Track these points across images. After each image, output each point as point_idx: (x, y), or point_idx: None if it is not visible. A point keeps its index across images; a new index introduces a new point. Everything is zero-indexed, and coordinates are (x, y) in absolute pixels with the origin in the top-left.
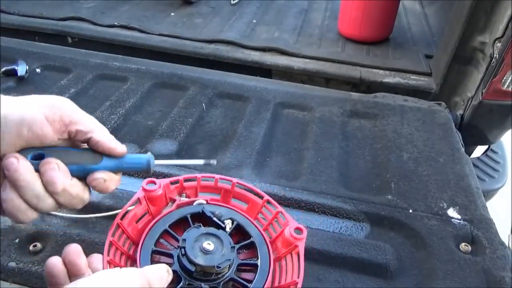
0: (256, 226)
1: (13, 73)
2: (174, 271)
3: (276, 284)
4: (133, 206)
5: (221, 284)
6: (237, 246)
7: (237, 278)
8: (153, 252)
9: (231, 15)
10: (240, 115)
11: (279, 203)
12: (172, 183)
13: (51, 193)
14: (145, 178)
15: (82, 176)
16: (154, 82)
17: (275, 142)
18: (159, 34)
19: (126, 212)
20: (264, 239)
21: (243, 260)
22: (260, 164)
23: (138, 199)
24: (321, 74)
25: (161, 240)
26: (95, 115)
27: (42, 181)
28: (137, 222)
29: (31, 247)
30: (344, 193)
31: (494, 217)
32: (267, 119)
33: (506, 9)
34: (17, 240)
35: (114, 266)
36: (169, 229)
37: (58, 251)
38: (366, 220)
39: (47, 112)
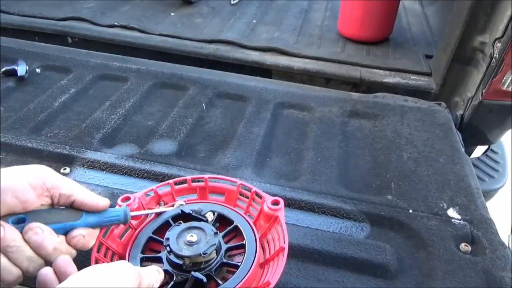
0: (237, 212)
1: (13, 73)
2: (166, 271)
3: (268, 256)
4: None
5: (213, 271)
6: (221, 233)
7: (227, 261)
8: (142, 260)
9: (231, 15)
10: (240, 115)
11: None
12: (147, 194)
13: (42, 256)
14: (152, 178)
15: (66, 233)
16: (154, 82)
17: (275, 142)
18: (159, 34)
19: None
20: (247, 221)
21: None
22: (260, 164)
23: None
24: (321, 74)
25: (149, 250)
26: (95, 115)
27: (30, 246)
28: (121, 238)
29: None
30: (344, 193)
31: (494, 217)
32: (267, 119)
33: (506, 9)
34: None
35: None
36: (153, 235)
37: None
38: (366, 220)
39: (30, 179)
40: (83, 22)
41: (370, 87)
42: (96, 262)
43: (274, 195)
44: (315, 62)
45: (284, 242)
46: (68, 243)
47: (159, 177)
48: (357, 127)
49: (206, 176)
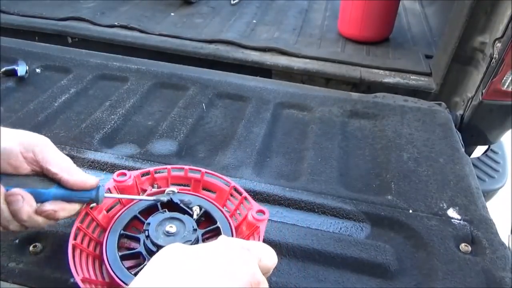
0: (222, 212)
1: (13, 73)
2: (140, 253)
3: None
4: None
5: None
6: (202, 231)
7: None
8: (121, 236)
9: (231, 15)
10: (240, 115)
11: (279, 203)
12: (143, 175)
13: (18, 220)
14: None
15: (42, 201)
16: (154, 82)
17: (275, 142)
18: (159, 34)
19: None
20: (229, 224)
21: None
22: (260, 164)
23: (109, 189)
24: (321, 74)
25: (132, 228)
26: (95, 115)
27: (9, 209)
28: (108, 211)
29: (31, 248)
30: (344, 193)
31: (494, 217)
32: (267, 119)
33: (506, 9)
34: (17, 241)
35: (80, 251)
36: (138, 215)
37: (58, 252)
38: (366, 221)
39: (22, 149)
40: (83, 22)
41: (370, 87)
42: (77, 233)
43: (274, 195)
44: (315, 62)
45: None
46: (39, 214)
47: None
48: (357, 127)
49: (203, 170)
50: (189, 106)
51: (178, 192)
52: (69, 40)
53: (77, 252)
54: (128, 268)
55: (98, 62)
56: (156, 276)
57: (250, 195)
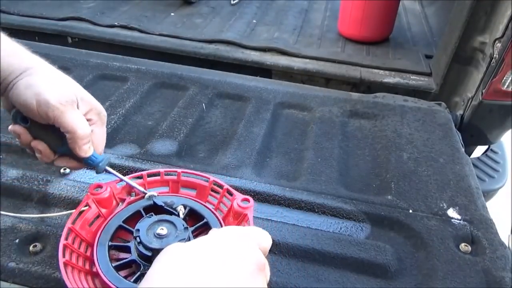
0: (207, 208)
1: None
2: (133, 261)
3: None
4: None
5: None
6: (191, 228)
7: None
8: (110, 247)
9: (231, 15)
10: (240, 115)
11: (279, 203)
12: (118, 183)
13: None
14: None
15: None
16: (154, 82)
17: (275, 142)
18: (159, 34)
19: (78, 216)
20: (217, 217)
21: None
22: (260, 164)
23: (87, 203)
24: (321, 74)
25: (118, 239)
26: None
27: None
28: (90, 225)
29: (31, 248)
30: (344, 193)
31: (494, 217)
32: (267, 119)
33: (506, 9)
34: (17, 241)
35: (72, 268)
36: (123, 224)
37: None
38: (366, 220)
39: (35, 103)
40: (83, 22)
41: (370, 87)
42: (64, 250)
43: (274, 195)
44: (315, 62)
45: None
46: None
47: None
48: (357, 127)
49: (179, 170)
50: (189, 106)
51: (158, 195)
52: (69, 40)
53: (69, 269)
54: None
55: (98, 62)
56: (169, 275)
57: (250, 195)
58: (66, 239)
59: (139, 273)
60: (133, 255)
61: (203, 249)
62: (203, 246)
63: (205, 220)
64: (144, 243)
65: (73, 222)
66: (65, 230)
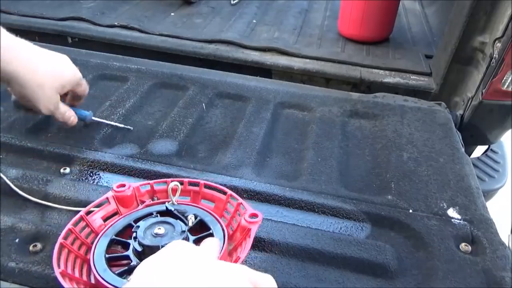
0: (218, 221)
1: None
2: (127, 256)
3: None
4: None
5: None
6: (194, 237)
7: None
8: (112, 241)
9: (231, 15)
10: (240, 115)
11: (279, 203)
12: (142, 186)
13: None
14: (152, 178)
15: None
16: (154, 82)
17: (275, 142)
18: (159, 34)
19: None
20: (223, 231)
21: None
22: (260, 164)
23: (107, 198)
24: (321, 74)
25: (128, 237)
26: (95, 116)
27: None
28: (105, 220)
29: (31, 247)
30: (344, 193)
31: (494, 217)
32: (267, 119)
33: (506, 9)
34: (17, 240)
35: (68, 251)
36: (132, 223)
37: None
38: (367, 220)
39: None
40: (83, 22)
41: (370, 87)
42: (68, 234)
43: (274, 195)
44: (315, 62)
45: (242, 252)
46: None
47: (159, 177)
48: (357, 127)
49: (202, 181)
50: (189, 106)
51: (177, 203)
52: (69, 40)
53: (65, 251)
54: (119, 274)
55: (98, 62)
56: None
57: (250, 195)
58: (75, 225)
59: (127, 267)
60: (129, 251)
61: (180, 271)
62: (181, 269)
63: (210, 231)
64: (138, 238)
65: (88, 213)
66: (77, 217)
